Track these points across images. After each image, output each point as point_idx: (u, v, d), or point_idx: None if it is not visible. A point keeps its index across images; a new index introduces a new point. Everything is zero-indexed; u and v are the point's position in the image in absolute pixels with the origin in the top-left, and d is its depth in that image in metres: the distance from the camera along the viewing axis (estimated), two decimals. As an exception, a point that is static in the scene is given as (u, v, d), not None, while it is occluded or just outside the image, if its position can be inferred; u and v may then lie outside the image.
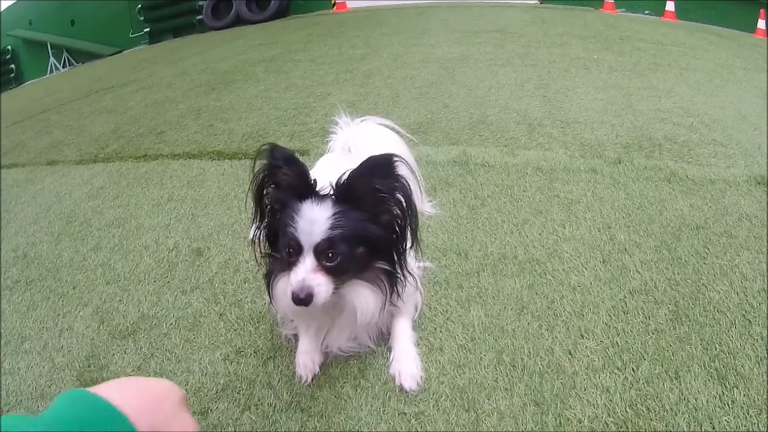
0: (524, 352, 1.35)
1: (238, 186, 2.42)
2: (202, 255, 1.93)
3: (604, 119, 2.87)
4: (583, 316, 1.45)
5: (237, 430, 1.24)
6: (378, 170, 1.11)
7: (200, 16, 9.86)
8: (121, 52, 10.70)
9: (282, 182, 1.17)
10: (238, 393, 1.33)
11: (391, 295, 1.20)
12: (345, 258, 1.11)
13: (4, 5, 13.63)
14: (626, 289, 1.54)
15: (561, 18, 6.44)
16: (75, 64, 12.14)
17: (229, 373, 1.39)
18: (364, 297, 1.19)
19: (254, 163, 1.19)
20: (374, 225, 1.13)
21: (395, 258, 1.18)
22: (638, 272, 1.61)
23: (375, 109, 3.22)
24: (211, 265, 1.86)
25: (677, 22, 7.28)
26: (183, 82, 4.80)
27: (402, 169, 1.12)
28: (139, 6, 10.76)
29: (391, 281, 1.20)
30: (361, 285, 1.19)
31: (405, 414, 1.22)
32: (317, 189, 1.15)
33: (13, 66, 13.48)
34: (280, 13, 8.93)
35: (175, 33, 10.43)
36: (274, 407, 1.27)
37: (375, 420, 1.21)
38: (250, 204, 1.26)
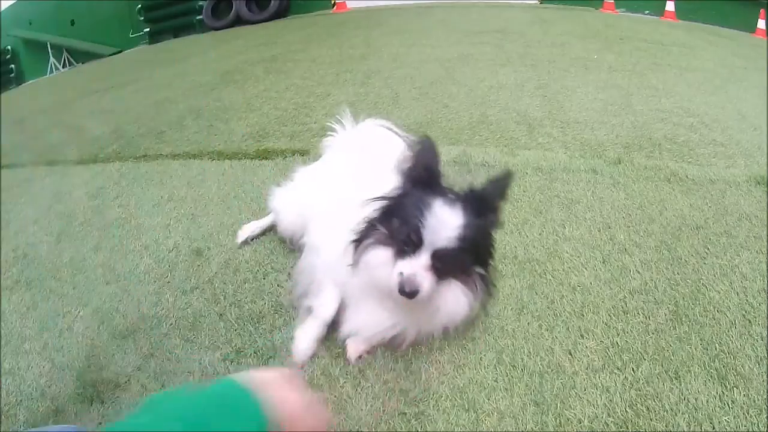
0: (524, 352, 1.35)
1: (238, 186, 2.42)
2: (202, 255, 1.93)
3: (604, 119, 2.87)
4: (583, 316, 1.45)
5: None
6: (501, 187, 1.19)
7: (200, 16, 9.85)
8: (121, 52, 10.70)
9: (419, 167, 1.19)
10: (238, 393, 1.32)
11: (480, 298, 1.23)
12: (456, 264, 1.16)
13: (4, 5, 13.62)
14: (626, 289, 1.54)
15: (561, 18, 6.44)
16: (75, 64, 12.13)
17: (229, 373, 1.39)
18: (456, 298, 1.21)
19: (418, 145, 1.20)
20: (489, 237, 1.21)
21: (488, 264, 1.23)
22: (638, 272, 1.61)
23: (375, 109, 3.22)
24: (211, 265, 1.86)
25: (677, 22, 7.28)
26: (183, 82, 4.79)
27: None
28: (139, 6, 10.75)
29: (483, 285, 1.22)
30: (456, 286, 1.20)
31: (405, 414, 1.22)
32: (447, 190, 1.18)
33: (13, 66, 13.45)
34: (280, 13, 8.93)
35: (175, 33, 10.42)
36: (274, 407, 1.27)
37: (375, 420, 1.21)
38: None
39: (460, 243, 1.12)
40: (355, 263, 1.24)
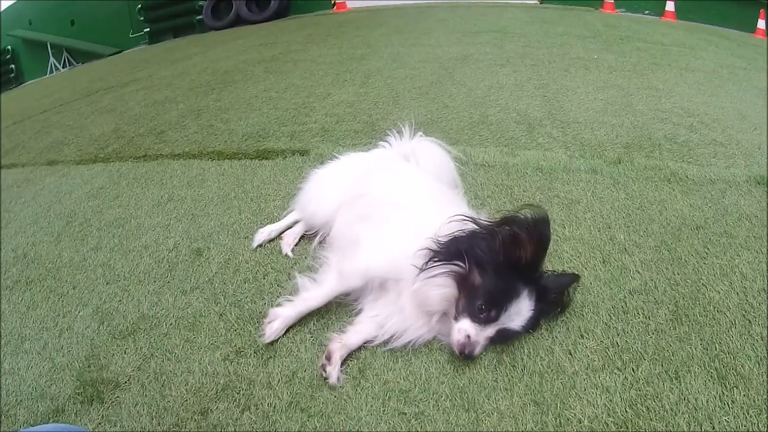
0: (524, 352, 1.35)
1: (238, 186, 2.42)
2: (202, 255, 1.93)
3: (604, 119, 2.87)
4: (583, 316, 1.45)
5: (237, 430, 1.24)
6: (565, 285, 1.39)
7: (200, 16, 9.86)
8: (121, 52, 10.70)
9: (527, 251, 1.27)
10: (238, 393, 1.33)
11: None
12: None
13: (4, 5, 13.63)
14: (626, 289, 1.54)
15: (561, 18, 6.44)
16: (75, 64, 12.13)
17: (229, 373, 1.39)
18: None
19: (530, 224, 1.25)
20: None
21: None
22: (638, 272, 1.61)
23: (375, 109, 3.22)
24: (211, 265, 1.86)
25: (677, 22, 7.28)
26: (183, 82, 4.79)
27: None
28: (139, 6, 10.75)
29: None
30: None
31: (405, 414, 1.22)
32: (536, 278, 1.30)
33: (13, 66, 13.46)
34: (280, 13, 8.93)
35: (175, 33, 10.43)
36: (274, 407, 1.27)
37: (375, 420, 1.21)
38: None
39: (525, 328, 1.30)
40: (421, 272, 1.29)
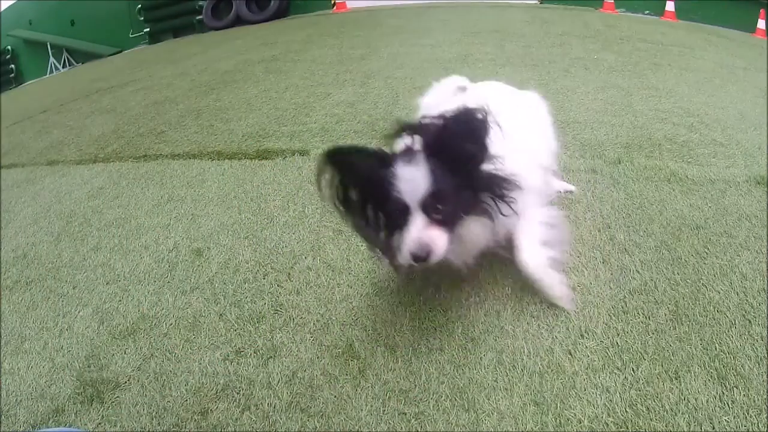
0: (524, 352, 1.35)
1: (238, 186, 2.42)
2: (202, 255, 1.93)
3: (604, 119, 2.87)
4: (583, 316, 1.45)
5: (237, 430, 1.24)
6: (466, 131, 1.14)
7: (200, 16, 9.85)
8: (121, 52, 10.70)
9: (357, 170, 1.20)
10: (238, 393, 1.33)
11: (497, 219, 1.24)
12: (451, 207, 1.17)
13: (4, 5, 13.62)
14: (626, 289, 1.54)
15: (561, 18, 6.44)
16: (75, 64, 12.13)
17: (229, 373, 1.39)
18: (473, 232, 1.25)
19: (320, 177, 1.20)
20: (468, 172, 1.18)
21: (497, 189, 1.21)
22: (638, 272, 1.61)
23: (375, 109, 3.22)
24: (211, 265, 1.86)
25: (677, 22, 7.28)
26: (183, 82, 4.79)
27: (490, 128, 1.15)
28: (139, 6, 10.75)
29: (499, 206, 1.23)
30: (470, 221, 1.23)
31: (405, 414, 1.22)
32: (400, 150, 1.19)
33: (13, 66, 13.45)
34: (280, 13, 8.92)
35: (175, 33, 10.42)
36: (274, 407, 1.27)
37: (375, 420, 1.21)
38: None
39: (438, 185, 1.13)
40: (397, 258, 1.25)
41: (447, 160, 1.16)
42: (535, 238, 1.43)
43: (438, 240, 1.15)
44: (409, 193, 1.14)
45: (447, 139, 1.15)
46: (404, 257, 1.17)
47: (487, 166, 1.19)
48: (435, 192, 1.14)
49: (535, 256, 1.41)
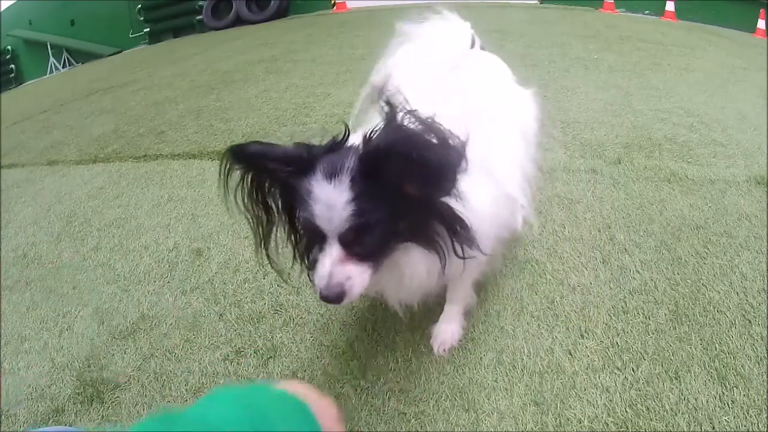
0: (524, 352, 1.35)
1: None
2: (202, 255, 1.93)
3: (604, 119, 2.87)
4: (583, 316, 1.45)
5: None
6: (415, 151, 0.82)
7: (200, 16, 9.84)
8: (121, 52, 10.69)
9: (270, 175, 0.98)
10: (238, 393, 1.32)
11: (448, 256, 0.99)
12: (381, 238, 0.93)
13: (4, 5, 13.61)
14: (626, 289, 1.54)
15: (561, 18, 6.44)
16: (75, 64, 12.12)
17: (229, 373, 1.39)
18: (412, 264, 1.02)
19: (226, 176, 0.94)
20: (414, 199, 0.91)
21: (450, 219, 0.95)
22: (638, 272, 1.61)
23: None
24: (211, 265, 1.86)
25: (677, 22, 7.27)
26: (183, 82, 4.79)
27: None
28: (139, 6, 10.74)
29: (453, 239, 0.97)
30: (412, 249, 1.00)
31: (405, 414, 1.22)
32: (322, 160, 0.90)
33: (13, 66, 13.44)
34: (280, 13, 8.92)
35: (175, 33, 10.41)
36: (274, 407, 1.27)
37: (375, 420, 1.21)
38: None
39: (363, 219, 0.88)
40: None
41: (380, 179, 0.88)
42: (461, 308, 1.40)
43: (355, 279, 0.92)
44: (325, 220, 0.89)
45: (384, 157, 0.86)
46: (315, 293, 0.96)
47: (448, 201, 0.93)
48: (358, 226, 0.89)
49: (449, 335, 1.38)
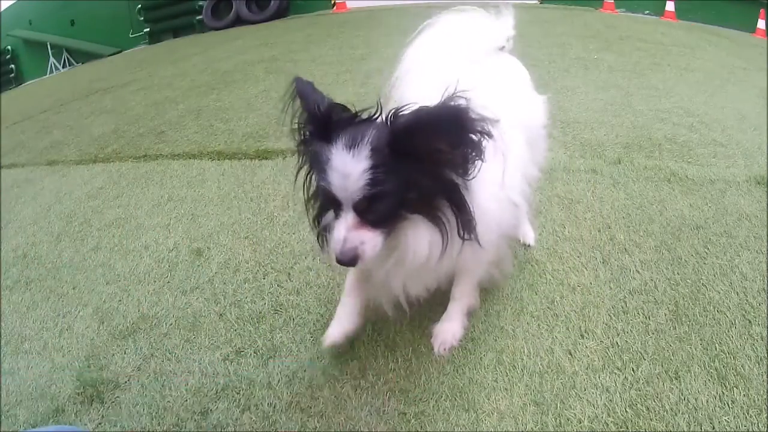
0: (524, 352, 1.35)
1: (238, 186, 2.42)
2: (202, 255, 1.93)
3: (604, 119, 2.87)
4: (583, 316, 1.45)
5: (237, 430, 1.24)
6: (446, 127, 0.91)
7: (200, 16, 9.84)
8: (121, 52, 10.69)
9: (308, 118, 1.06)
10: (238, 393, 1.33)
11: (450, 235, 1.02)
12: (393, 208, 0.98)
13: (4, 5, 13.61)
14: (626, 289, 1.54)
15: (561, 18, 6.44)
16: (75, 64, 12.12)
17: (229, 373, 1.39)
18: (417, 237, 1.03)
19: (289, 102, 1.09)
20: (429, 173, 0.96)
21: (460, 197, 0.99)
22: (638, 272, 1.61)
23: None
24: (211, 265, 1.86)
25: (677, 22, 7.28)
26: (183, 82, 4.79)
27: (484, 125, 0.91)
28: (139, 6, 10.74)
29: (458, 218, 1.01)
30: (419, 222, 1.02)
31: (405, 414, 1.22)
32: (344, 130, 0.98)
33: (13, 66, 13.44)
34: (280, 13, 8.92)
35: (175, 33, 10.41)
36: (274, 407, 1.27)
37: (375, 420, 1.21)
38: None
39: (378, 188, 0.93)
40: (325, 252, 1.14)
41: (400, 154, 0.93)
42: (464, 307, 1.39)
43: (368, 244, 0.98)
44: (341, 188, 0.95)
45: (409, 134, 0.92)
46: (331, 258, 1.02)
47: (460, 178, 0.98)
48: (373, 195, 0.94)
49: (449, 334, 1.37)
